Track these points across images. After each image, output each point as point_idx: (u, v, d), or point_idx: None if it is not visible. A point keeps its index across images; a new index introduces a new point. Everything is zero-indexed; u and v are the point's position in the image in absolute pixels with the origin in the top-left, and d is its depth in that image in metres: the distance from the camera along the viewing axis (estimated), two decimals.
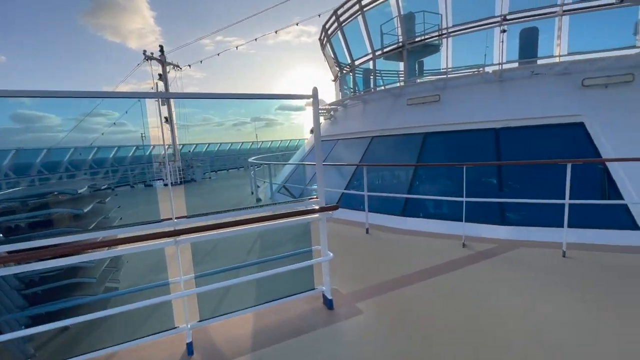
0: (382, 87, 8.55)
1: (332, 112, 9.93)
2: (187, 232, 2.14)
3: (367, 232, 4.91)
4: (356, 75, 9.93)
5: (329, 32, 9.77)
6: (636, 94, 4.98)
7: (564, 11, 5.93)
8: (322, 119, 10.84)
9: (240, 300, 2.94)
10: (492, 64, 6.44)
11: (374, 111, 7.99)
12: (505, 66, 6.12)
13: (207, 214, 2.39)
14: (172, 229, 2.16)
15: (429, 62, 9.22)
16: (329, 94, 11.33)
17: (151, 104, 15.84)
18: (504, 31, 6.24)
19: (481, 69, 6.33)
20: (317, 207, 2.71)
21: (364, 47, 8.76)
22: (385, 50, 8.38)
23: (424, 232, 4.71)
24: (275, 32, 14.56)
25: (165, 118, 15.73)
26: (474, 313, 2.57)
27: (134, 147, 16.10)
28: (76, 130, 13.27)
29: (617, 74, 5.08)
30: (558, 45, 6.15)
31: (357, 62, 9.25)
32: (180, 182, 14.80)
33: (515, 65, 6.27)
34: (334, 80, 11.66)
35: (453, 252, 3.87)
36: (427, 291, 2.98)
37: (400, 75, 8.62)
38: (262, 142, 26.87)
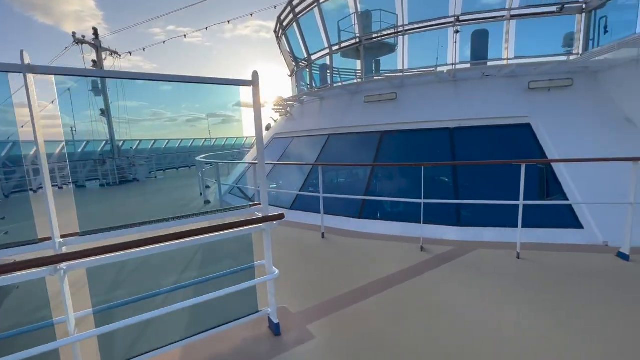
0: (340, 84, 8.30)
1: (288, 109, 9.48)
2: (76, 257, 1.57)
3: (322, 236, 4.57)
4: (313, 71, 9.58)
5: (284, 24, 9.29)
6: (575, 98, 5.26)
7: (512, 16, 6.12)
8: (277, 116, 10.34)
9: (163, 333, 2.40)
10: (446, 64, 6.48)
11: (330, 108, 7.70)
12: (458, 67, 6.18)
13: (109, 230, 1.83)
14: (51, 253, 1.58)
15: (386, 62, 9.19)
16: (287, 90, 10.86)
17: (82, 95, 14.02)
18: (457, 32, 6.30)
19: (436, 68, 6.33)
20: (259, 216, 2.28)
21: (321, 42, 8.43)
22: (342, 45, 8.13)
23: (382, 235, 4.50)
24: (228, 22, 13.70)
25: (102, 110, 14.03)
26: (437, 325, 2.36)
27: (62, 143, 14.11)
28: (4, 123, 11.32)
29: (558, 78, 5.32)
30: (506, 49, 6.35)
31: (313, 57, 8.89)
32: (119, 183, 13.28)
33: (468, 66, 6.36)
34: (290, 76, 11.20)
35: (412, 257, 3.67)
36: (386, 304, 2.70)
37: (358, 73, 8.46)
38: (217, 139, 25.45)
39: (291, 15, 8.69)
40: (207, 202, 7.86)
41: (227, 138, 26.49)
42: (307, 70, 9.63)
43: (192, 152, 22.75)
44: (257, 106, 2.19)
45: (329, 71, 8.44)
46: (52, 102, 14.26)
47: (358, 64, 8.60)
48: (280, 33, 10.02)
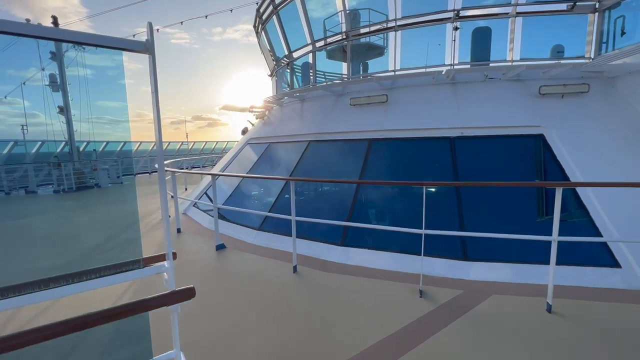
0: (323, 83, 7.39)
1: (266, 112, 8.49)
2: None
3: (294, 270, 3.59)
4: (295, 71, 8.66)
5: (264, 17, 8.35)
6: (592, 106, 4.54)
7: (517, 13, 5.42)
8: (254, 119, 9.33)
9: None
10: (444, 65, 5.70)
11: (312, 112, 6.78)
12: (457, 67, 5.40)
13: None
14: None
15: (374, 66, 8.38)
16: (269, 93, 9.80)
17: (38, 90, 12.53)
18: (456, 29, 5.54)
19: (432, 68, 5.53)
20: (166, 291, 1.28)
21: (303, 38, 7.54)
22: (327, 42, 7.26)
23: (370, 269, 3.56)
24: (206, 16, 12.63)
25: (59, 108, 12.59)
26: None
27: (11, 143, 12.54)
28: None
29: (574, 84, 4.60)
30: (511, 50, 5.64)
31: (295, 55, 7.98)
32: (76, 189, 11.84)
33: (468, 67, 5.60)
34: (270, 76, 10.24)
35: (409, 309, 2.74)
36: None
37: (344, 77, 7.59)
38: (195, 142, 24.07)
39: (271, 7, 7.77)
40: None
41: (206, 142, 25.16)
42: (288, 69, 8.70)
43: (168, 155, 21.33)
44: (153, 74, 1.23)
45: (311, 70, 7.54)
46: (5, 96, 12.76)
47: (344, 68, 7.76)
48: (259, 28, 9.07)
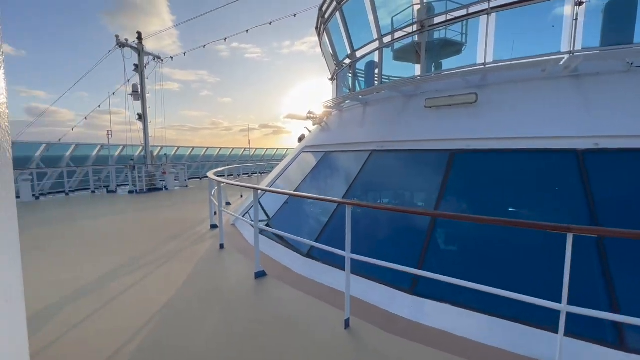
0: (389, 82, 6.36)
1: (324, 118, 7.78)
2: None
3: (346, 325, 2.66)
4: (357, 73, 7.80)
5: (326, 15, 7.70)
6: None
7: None
8: (311, 125, 8.69)
9: None
10: (560, 53, 4.25)
11: (377, 116, 5.82)
12: (584, 53, 3.93)
13: None
14: None
15: (449, 66, 7.11)
16: (329, 98, 9.09)
17: (122, 99, 13.84)
18: (580, 3, 4.08)
19: (542, 57, 4.15)
20: None
21: (368, 35, 6.66)
22: (395, 37, 6.26)
23: (455, 337, 2.46)
24: (270, 23, 12.61)
25: (139, 115, 13.70)
26: None
27: (98, 146, 14.01)
28: (87, 127, 11.70)
29: None
30: None
31: (358, 54, 7.13)
32: (147, 190, 12.62)
33: (598, 52, 4.07)
34: (330, 79, 9.56)
35: None
36: None
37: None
38: (256, 149, 24.78)
39: (334, 3, 7.07)
40: (213, 226, 6.36)
41: (267, 149, 25.76)
42: (350, 72, 7.88)
43: (232, 160, 22.23)
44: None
45: (376, 70, 6.60)
46: (99, 105, 14.33)
47: (416, 70, 6.65)
48: (321, 28, 8.46)
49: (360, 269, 3.25)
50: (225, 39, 12.95)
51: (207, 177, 6.02)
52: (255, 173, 21.35)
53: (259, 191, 3.82)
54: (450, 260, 3.23)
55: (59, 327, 2.77)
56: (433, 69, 6.98)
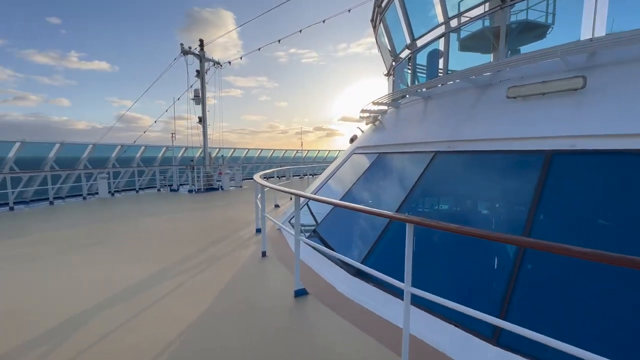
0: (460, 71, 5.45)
1: (378, 116, 7.09)
2: None
3: None
4: (417, 67, 6.95)
5: (383, 4, 7.03)
6: None
7: None
8: (364, 125, 8.05)
9: None
10: None
11: (442, 111, 4.99)
12: None
13: None
14: None
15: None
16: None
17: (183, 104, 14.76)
18: None
19: None
20: None
21: (431, 19, 5.82)
22: (462, 22, 5.33)
23: None
24: (323, 21, 12.27)
25: (199, 118, 14.45)
26: None
27: (164, 148, 15.11)
28: (164, 131, 13.23)
29: None
30: None
31: (419, 43, 6.31)
32: (204, 190, 13.19)
33: None
34: (386, 75, 8.82)
35: None
36: None
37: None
38: (308, 151, 24.79)
39: None
40: (258, 230, 6.11)
41: (319, 150, 25.63)
42: (409, 66, 7.07)
43: (284, 162, 22.54)
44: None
45: (441, 59, 5.73)
46: (167, 110, 15.47)
47: (490, 59, 5.63)
48: (377, 20, 7.81)
49: (422, 299, 2.56)
50: (279, 41, 12.97)
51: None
52: (307, 175, 21.33)
53: (303, 198, 3.35)
54: (551, 308, 2.36)
55: (86, 336, 2.62)
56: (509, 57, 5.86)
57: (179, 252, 4.91)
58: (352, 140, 8.62)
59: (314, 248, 3.34)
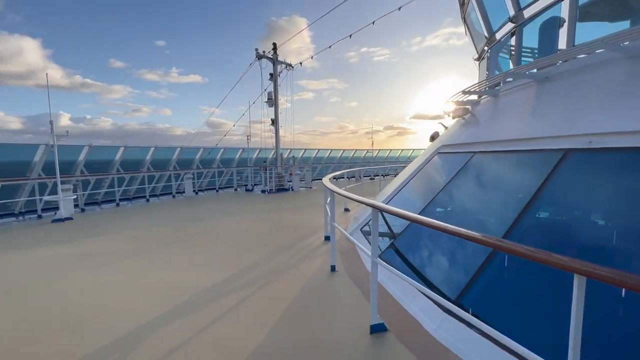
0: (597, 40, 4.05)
1: (469, 108, 5.93)
2: None
3: None
4: (522, 54, 5.56)
5: None
6: None
7: None
8: (447, 121, 6.92)
9: None
10: None
11: (569, 95, 3.74)
12: None
13: None
14: None
15: None
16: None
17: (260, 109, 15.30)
18: None
19: None
20: None
21: None
22: None
23: None
24: (399, 9, 11.27)
25: (272, 120, 14.81)
26: None
27: (240, 150, 15.90)
28: (245, 135, 14.28)
29: None
30: None
31: (527, 13, 5.01)
32: (276, 190, 13.41)
33: None
34: (478, 59, 7.48)
35: None
36: None
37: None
38: (379, 150, 23.67)
39: None
40: (328, 238, 5.63)
41: (391, 150, 24.26)
42: (512, 37, 5.70)
43: (354, 162, 21.94)
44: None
45: (561, 27, 4.38)
46: (243, 114, 16.31)
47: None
48: None
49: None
50: (350, 36, 12.43)
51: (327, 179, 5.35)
52: (378, 175, 20.32)
53: (377, 211, 2.67)
54: None
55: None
56: None
57: (247, 258, 4.72)
58: (433, 137, 7.54)
59: (395, 273, 2.65)
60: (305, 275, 3.96)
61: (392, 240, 4.26)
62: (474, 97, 5.92)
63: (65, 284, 3.89)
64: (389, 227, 5.00)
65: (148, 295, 3.55)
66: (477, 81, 7.26)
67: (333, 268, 4.06)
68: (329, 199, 5.59)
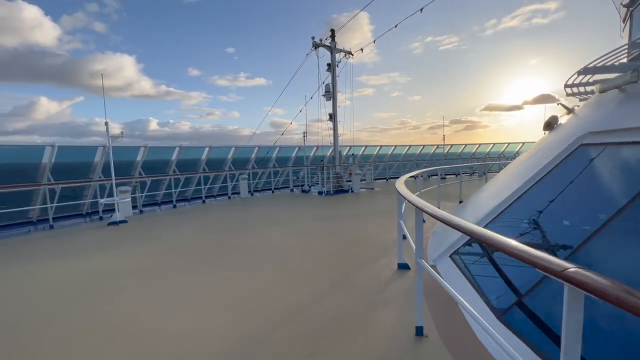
0: None
1: (594, 88, 3.81)
2: None
3: None
4: None
5: None
6: None
7: None
8: (572, 102, 4.81)
9: None
10: None
11: None
12: None
13: None
14: None
15: None
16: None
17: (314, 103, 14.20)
18: None
19: None
20: None
21: None
22: None
23: None
24: None
25: (330, 115, 13.61)
26: None
27: (296, 148, 15.01)
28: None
29: None
30: None
31: None
32: (334, 192, 12.17)
33: None
34: (625, 21, 5.15)
35: None
36: None
37: None
38: (451, 145, 20.82)
39: None
40: (402, 266, 4.14)
41: (465, 145, 21.15)
42: None
43: (421, 159, 19.65)
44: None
45: None
46: (300, 110, 15.42)
47: None
48: None
49: None
50: (421, 9, 10.48)
51: (394, 178, 3.92)
52: (450, 174, 17.73)
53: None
54: None
55: None
56: None
57: (291, 293, 3.51)
58: (548, 125, 5.41)
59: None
60: (374, 343, 2.55)
61: (517, 297, 2.60)
62: (611, 66, 3.80)
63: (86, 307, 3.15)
64: (496, 266, 3.31)
65: (182, 314, 2.56)
66: (627, 38, 4.97)
67: (419, 330, 2.59)
68: (402, 208, 4.07)
